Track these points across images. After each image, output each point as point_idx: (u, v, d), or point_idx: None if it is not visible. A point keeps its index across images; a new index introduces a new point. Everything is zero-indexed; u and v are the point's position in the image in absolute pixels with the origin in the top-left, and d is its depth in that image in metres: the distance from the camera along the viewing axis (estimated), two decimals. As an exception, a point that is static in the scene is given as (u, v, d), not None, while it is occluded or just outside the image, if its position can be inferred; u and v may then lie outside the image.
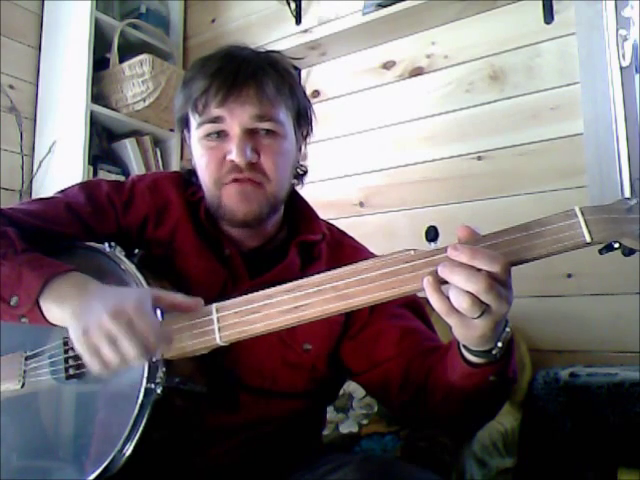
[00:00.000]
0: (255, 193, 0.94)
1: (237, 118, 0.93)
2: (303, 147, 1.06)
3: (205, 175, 0.96)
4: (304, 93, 1.04)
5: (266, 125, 0.94)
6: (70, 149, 2.17)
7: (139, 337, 0.74)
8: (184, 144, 2.44)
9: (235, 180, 0.94)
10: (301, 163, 1.07)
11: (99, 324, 0.74)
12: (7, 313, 0.84)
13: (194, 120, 0.97)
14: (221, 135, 0.95)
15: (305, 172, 1.08)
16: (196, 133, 0.97)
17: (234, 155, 0.92)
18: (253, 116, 0.93)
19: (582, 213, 0.69)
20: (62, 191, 1.04)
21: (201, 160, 0.96)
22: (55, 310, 0.80)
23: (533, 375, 1.44)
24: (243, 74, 0.93)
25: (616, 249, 0.69)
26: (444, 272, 0.68)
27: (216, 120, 0.94)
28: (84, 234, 0.97)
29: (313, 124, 1.05)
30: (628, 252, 0.69)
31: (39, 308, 0.81)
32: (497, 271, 0.66)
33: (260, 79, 0.94)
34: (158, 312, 0.80)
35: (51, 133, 2.24)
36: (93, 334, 0.74)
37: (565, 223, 0.69)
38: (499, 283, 0.67)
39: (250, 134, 0.94)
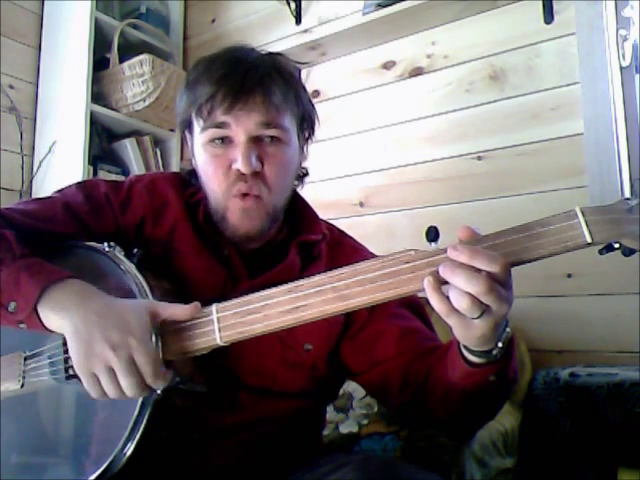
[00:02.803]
0: (257, 210, 0.94)
1: (243, 125, 0.92)
2: (305, 150, 1.06)
3: (213, 184, 0.96)
4: (308, 97, 1.04)
5: (271, 132, 0.94)
6: (70, 149, 2.17)
7: (138, 376, 0.75)
8: (184, 144, 2.46)
9: (240, 193, 0.94)
10: (302, 165, 1.07)
11: (101, 354, 0.75)
12: (5, 318, 0.83)
13: (198, 124, 0.96)
14: (225, 141, 0.94)
15: (306, 174, 1.08)
16: (200, 137, 0.96)
17: (240, 164, 0.92)
18: (259, 123, 0.93)
19: (583, 214, 0.68)
20: (60, 191, 1.03)
21: (207, 168, 0.96)
22: (53, 318, 0.80)
23: (533, 375, 1.44)
24: (250, 81, 0.92)
25: (616, 249, 0.69)
26: (445, 272, 0.68)
27: (221, 126, 0.93)
28: (82, 234, 0.97)
29: (316, 127, 1.05)
30: (628, 252, 0.69)
31: (37, 315, 0.81)
32: (497, 272, 0.66)
33: (267, 86, 0.93)
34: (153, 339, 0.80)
35: (51, 133, 2.24)
36: (94, 363, 0.75)
37: (566, 224, 0.69)
38: (499, 284, 0.67)
39: (255, 141, 0.93)
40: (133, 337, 0.76)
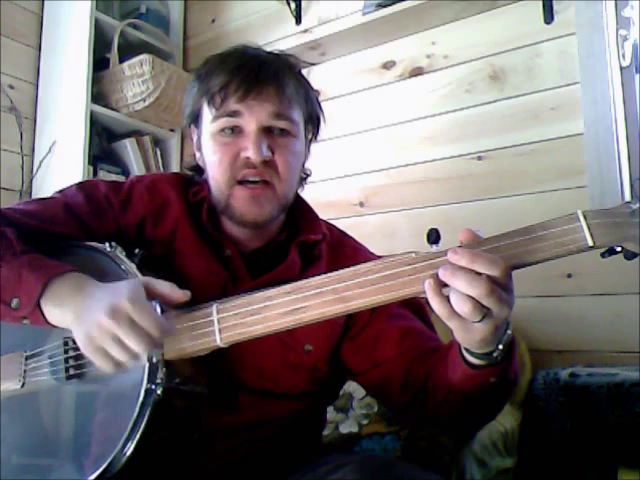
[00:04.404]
0: (266, 196, 0.95)
1: (255, 115, 0.93)
2: (308, 149, 1.06)
3: (217, 171, 0.96)
4: (317, 97, 1.06)
5: (282, 124, 0.95)
6: (70, 149, 2.16)
7: (141, 331, 0.75)
8: (184, 144, 2.46)
9: (245, 181, 0.94)
10: (305, 165, 1.07)
11: (100, 326, 0.75)
12: (8, 315, 0.84)
13: (209, 114, 0.96)
14: (235, 131, 0.95)
15: (308, 175, 1.09)
16: (210, 127, 0.97)
17: (250, 152, 0.92)
18: (271, 114, 0.94)
19: (585, 217, 0.68)
20: (60, 191, 1.04)
21: (213, 156, 0.96)
22: (56, 312, 0.81)
23: (533, 375, 1.44)
24: (264, 72, 0.94)
25: (618, 253, 0.69)
26: (445, 275, 0.68)
27: (233, 115, 0.94)
28: (82, 234, 0.97)
29: (321, 128, 1.06)
30: (630, 256, 0.69)
31: (40, 310, 0.81)
32: (497, 275, 0.66)
33: (281, 79, 0.95)
34: (158, 309, 0.80)
35: (51, 133, 2.24)
36: (97, 337, 0.76)
37: (568, 227, 0.68)
38: (500, 287, 0.67)
39: (265, 132, 0.94)
40: (125, 299, 0.76)
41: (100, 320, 0.75)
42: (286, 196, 0.98)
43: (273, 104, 0.94)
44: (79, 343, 0.78)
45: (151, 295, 0.80)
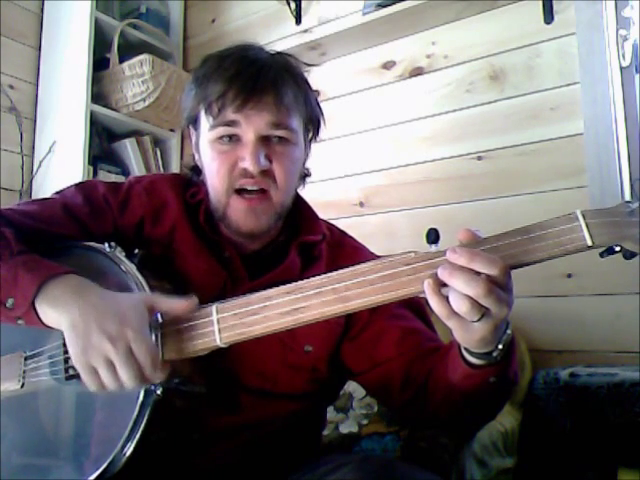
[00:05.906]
0: (263, 208, 0.94)
1: (253, 124, 0.92)
2: (308, 150, 1.06)
3: (215, 180, 0.96)
4: (316, 98, 1.05)
5: (280, 133, 0.94)
6: (70, 149, 2.17)
7: (136, 365, 0.75)
8: (184, 144, 2.47)
9: (243, 190, 0.94)
10: (305, 166, 1.07)
11: (98, 347, 0.75)
12: (4, 315, 0.83)
13: (207, 121, 0.96)
14: (233, 139, 0.94)
15: (308, 175, 1.08)
16: (208, 134, 0.96)
17: (248, 163, 0.92)
18: (269, 123, 0.93)
19: (584, 216, 0.68)
20: (59, 192, 1.04)
21: (212, 164, 0.96)
22: (51, 314, 0.80)
23: (533, 375, 1.44)
24: (262, 80, 0.93)
25: (617, 252, 0.69)
26: (443, 275, 0.68)
27: (231, 124, 0.93)
28: (81, 234, 0.97)
29: (321, 129, 1.05)
30: (629, 255, 0.69)
31: (35, 311, 0.81)
32: (496, 274, 0.66)
33: (279, 87, 0.94)
34: (158, 314, 0.81)
35: (51, 133, 2.24)
36: (92, 356, 0.75)
37: (566, 226, 0.68)
38: (498, 286, 0.67)
39: (263, 141, 0.93)
40: (130, 328, 0.76)
41: (100, 341, 0.75)
42: (283, 204, 0.97)
43: (271, 113, 0.92)
44: (71, 352, 0.77)
45: (155, 312, 0.81)
